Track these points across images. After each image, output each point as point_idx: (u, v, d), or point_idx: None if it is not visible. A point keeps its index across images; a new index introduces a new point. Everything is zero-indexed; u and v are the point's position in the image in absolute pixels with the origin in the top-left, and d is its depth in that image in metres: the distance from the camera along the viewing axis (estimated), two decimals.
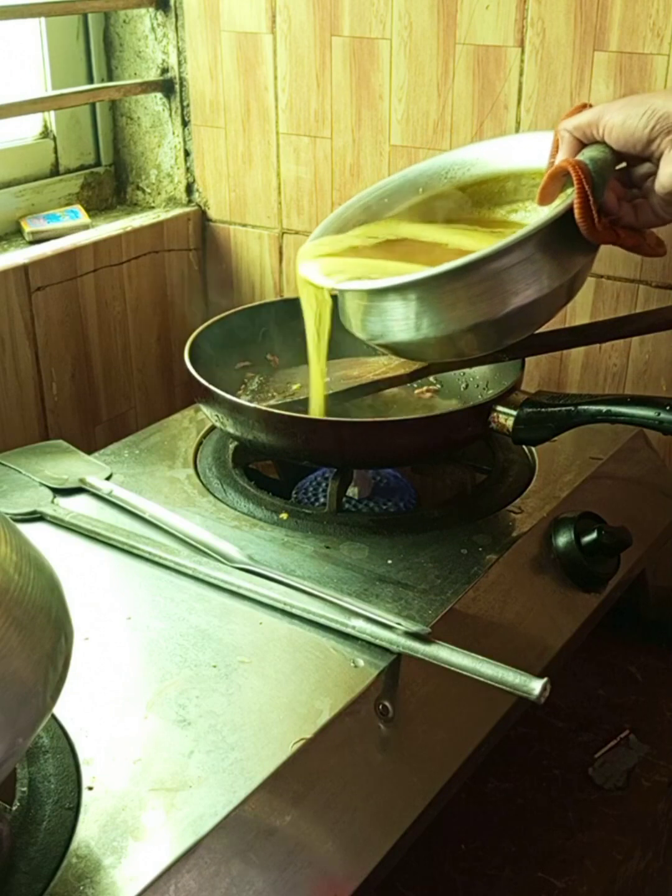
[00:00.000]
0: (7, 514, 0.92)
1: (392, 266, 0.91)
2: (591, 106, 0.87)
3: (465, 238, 0.94)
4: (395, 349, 0.94)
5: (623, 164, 0.86)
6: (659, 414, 0.85)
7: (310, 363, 0.98)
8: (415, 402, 1.09)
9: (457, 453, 1.06)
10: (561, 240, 0.85)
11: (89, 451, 1.08)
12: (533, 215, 0.96)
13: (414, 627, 0.76)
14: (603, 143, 0.84)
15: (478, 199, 1.01)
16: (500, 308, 0.86)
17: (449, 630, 0.80)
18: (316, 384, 0.98)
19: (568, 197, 0.83)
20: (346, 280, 0.91)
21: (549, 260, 0.86)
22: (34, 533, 0.83)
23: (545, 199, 0.88)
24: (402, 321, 0.88)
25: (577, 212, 0.82)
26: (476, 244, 0.89)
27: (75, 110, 1.35)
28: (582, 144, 0.86)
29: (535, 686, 0.69)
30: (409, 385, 1.08)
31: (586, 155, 0.84)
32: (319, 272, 0.93)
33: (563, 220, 0.83)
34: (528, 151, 0.96)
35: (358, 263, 0.94)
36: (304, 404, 1.00)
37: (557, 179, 0.86)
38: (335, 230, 1.01)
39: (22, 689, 0.51)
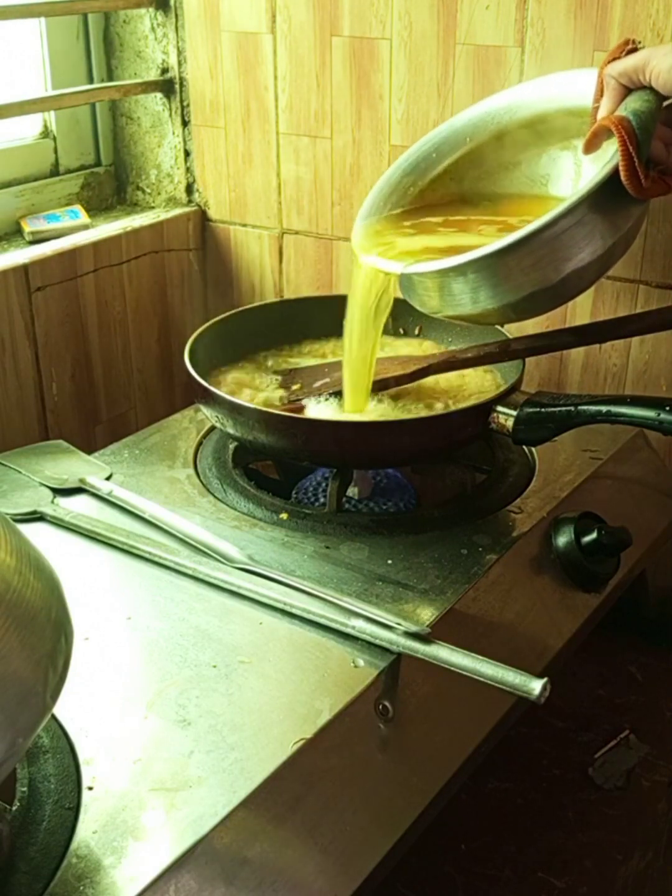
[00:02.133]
0: (7, 514, 0.92)
1: (444, 244, 0.93)
2: (635, 43, 0.85)
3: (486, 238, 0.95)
4: (457, 318, 0.96)
5: (670, 100, 0.84)
6: (659, 414, 0.85)
7: (361, 351, 0.99)
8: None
9: (457, 453, 1.06)
10: (611, 198, 0.84)
11: (89, 451, 1.08)
12: (582, 157, 0.96)
13: (414, 627, 0.76)
14: (649, 87, 0.83)
15: (527, 140, 1.01)
16: (556, 275, 0.86)
17: (449, 630, 0.80)
18: (361, 373, 0.99)
19: (613, 156, 0.82)
20: (414, 263, 0.91)
21: (601, 220, 0.85)
22: (34, 533, 0.83)
23: (590, 149, 0.87)
24: (459, 296, 0.89)
25: (622, 174, 0.81)
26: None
27: (75, 110, 1.35)
28: (627, 90, 0.84)
29: (535, 686, 0.69)
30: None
31: (629, 107, 0.82)
32: (382, 258, 0.94)
33: (612, 181, 0.82)
34: (574, 89, 0.95)
35: (413, 243, 0.96)
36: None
37: (601, 135, 0.85)
38: (386, 195, 1.02)
39: (22, 689, 0.51)
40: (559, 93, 0.98)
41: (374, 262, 0.94)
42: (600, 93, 0.87)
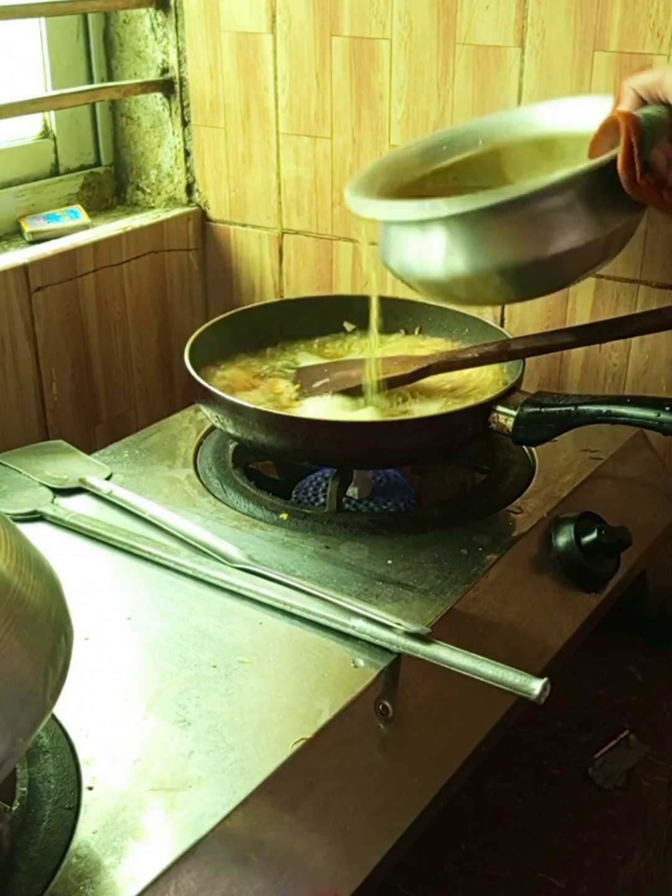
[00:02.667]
0: (7, 514, 0.92)
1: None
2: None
3: None
4: (425, 286, 0.95)
5: None
6: (659, 414, 0.85)
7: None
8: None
9: (457, 453, 1.06)
10: (602, 192, 0.84)
11: (89, 451, 1.08)
12: None
13: (414, 627, 0.76)
14: (664, 103, 0.84)
15: (536, 157, 1.02)
16: (531, 253, 0.86)
17: (449, 630, 0.80)
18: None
19: (615, 149, 0.83)
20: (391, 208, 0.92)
21: (588, 211, 0.85)
22: (34, 533, 0.83)
23: (595, 152, 0.88)
24: (433, 253, 0.89)
25: (620, 162, 0.82)
26: None
27: (75, 110, 1.35)
28: (643, 102, 0.86)
29: (535, 686, 0.69)
30: None
31: (642, 111, 0.84)
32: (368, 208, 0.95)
33: (608, 173, 0.82)
34: (590, 116, 0.95)
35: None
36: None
37: (608, 132, 0.86)
38: (388, 166, 1.04)
39: (22, 689, 0.51)
40: (578, 117, 0.98)
41: (358, 207, 0.94)
42: (617, 103, 0.88)
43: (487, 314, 1.20)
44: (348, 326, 1.17)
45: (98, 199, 1.40)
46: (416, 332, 1.16)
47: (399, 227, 0.92)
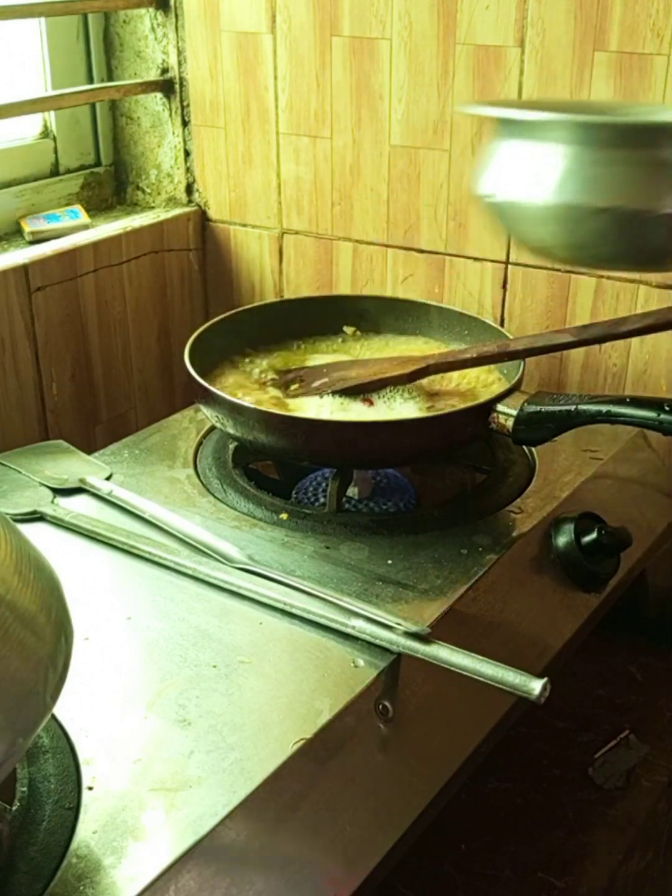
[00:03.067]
0: (7, 514, 0.92)
1: None
2: None
3: None
4: (514, 214, 0.88)
5: None
6: (659, 414, 0.85)
7: None
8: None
9: (457, 453, 1.06)
10: None
11: (89, 451, 1.08)
12: None
13: (414, 627, 0.76)
14: None
15: None
16: (643, 201, 0.81)
17: (449, 630, 0.80)
18: None
19: None
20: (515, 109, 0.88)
21: None
22: (34, 533, 0.83)
23: None
24: (538, 173, 0.83)
25: None
26: None
27: (75, 110, 1.35)
28: None
29: (535, 686, 0.69)
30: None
31: None
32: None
33: None
34: None
35: None
36: None
37: None
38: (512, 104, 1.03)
39: (22, 689, 0.51)
40: None
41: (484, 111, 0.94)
42: None
43: (487, 314, 1.21)
44: (348, 329, 1.17)
45: (98, 199, 1.40)
46: (416, 332, 1.16)
47: (514, 139, 0.86)
